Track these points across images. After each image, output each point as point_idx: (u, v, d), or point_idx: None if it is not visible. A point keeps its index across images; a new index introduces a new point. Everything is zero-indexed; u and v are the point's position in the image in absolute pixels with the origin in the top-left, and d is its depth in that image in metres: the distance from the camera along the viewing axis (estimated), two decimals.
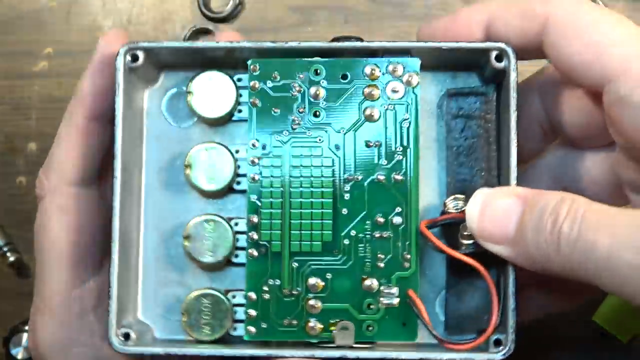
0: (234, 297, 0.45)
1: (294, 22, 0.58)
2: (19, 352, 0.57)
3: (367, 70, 0.44)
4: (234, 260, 0.45)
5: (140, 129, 0.46)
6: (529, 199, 0.40)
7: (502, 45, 0.43)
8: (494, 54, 0.44)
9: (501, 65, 0.44)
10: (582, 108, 0.43)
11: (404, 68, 0.44)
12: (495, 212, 0.41)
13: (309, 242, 0.45)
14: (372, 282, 0.44)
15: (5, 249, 0.58)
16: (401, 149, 0.44)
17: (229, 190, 0.46)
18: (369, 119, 0.44)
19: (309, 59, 0.45)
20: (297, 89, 0.45)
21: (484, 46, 0.44)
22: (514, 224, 0.40)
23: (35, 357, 0.46)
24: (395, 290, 0.44)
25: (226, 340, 0.45)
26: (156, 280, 0.46)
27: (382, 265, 0.44)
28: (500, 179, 0.44)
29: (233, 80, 0.45)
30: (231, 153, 0.45)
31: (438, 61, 0.45)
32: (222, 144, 0.46)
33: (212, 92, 0.45)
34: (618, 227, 0.37)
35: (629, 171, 0.42)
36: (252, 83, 0.45)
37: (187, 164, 0.45)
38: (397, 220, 0.45)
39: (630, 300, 0.37)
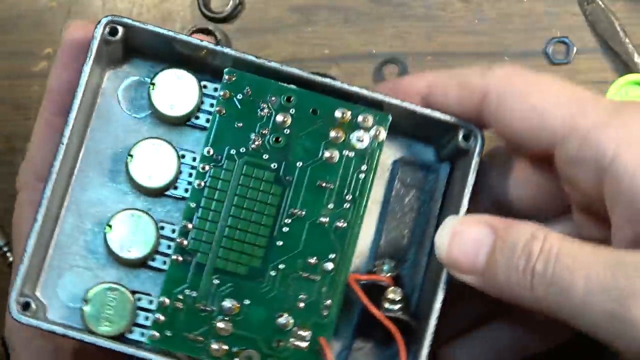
0: (139, 299, 0.44)
1: (294, 22, 0.58)
2: None
3: (338, 113, 0.44)
4: (150, 263, 0.44)
5: (90, 106, 0.45)
6: (500, 230, 0.39)
7: (472, 126, 0.43)
8: (462, 132, 0.44)
9: (466, 145, 0.44)
10: (529, 180, 0.43)
11: (373, 121, 0.44)
12: (465, 242, 0.40)
13: (236, 263, 0.44)
14: (287, 320, 0.44)
15: (5, 249, 0.58)
16: (350, 197, 0.44)
17: (162, 192, 0.45)
18: (328, 160, 0.44)
19: (286, 85, 0.44)
20: (266, 110, 0.44)
21: (454, 121, 0.44)
22: (484, 256, 0.39)
23: (6, 337, 0.46)
24: (307, 334, 0.44)
25: (120, 340, 0.43)
26: (64, 262, 0.44)
27: (302, 305, 0.44)
28: (431, 257, 0.44)
29: (199, 85, 0.45)
30: (178, 156, 0.45)
31: (402, 124, 0.45)
32: (171, 145, 0.45)
33: (176, 90, 0.45)
34: (593, 268, 0.36)
35: (591, 231, 0.41)
36: (223, 92, 0.44)
37: (131, 154, 0.44)
38: (329, 266, 0.44)
39: (607, 345, 0.37)
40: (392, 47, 0.57)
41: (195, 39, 0.44)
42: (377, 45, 0.58)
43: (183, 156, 0.45)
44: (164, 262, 0.44)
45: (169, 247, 0.44)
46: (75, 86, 0.44)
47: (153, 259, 0.44)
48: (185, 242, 0.44)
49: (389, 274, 0.44)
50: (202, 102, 0.45)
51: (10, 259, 0.58)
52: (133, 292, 0.44)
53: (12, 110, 0.59)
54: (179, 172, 0.45)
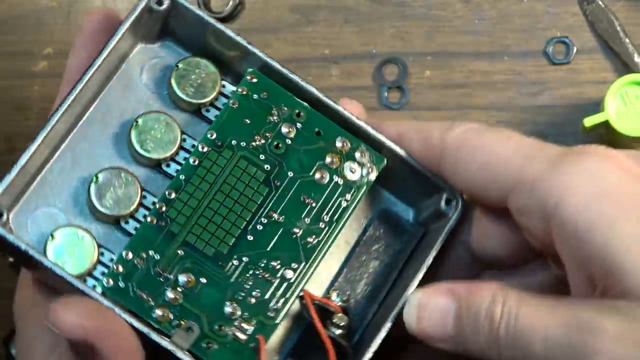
0: (102, 254, 0.45)
1: (294, 22, 0.58)
2: None
3: (339, 141, 0.46)
4: (123, 224, 0.45)
5: (113, 68, 0.46)
6: (462, 297, 0.41)
7: (456, 193, 0.45)
8: (445, 195, 0.45)
9: (446, 209, 0.45)
10: (497, 230, 0.44)
11: (369, 159, 0.46)
12: (432, 314, 0.42)
13: (205, 243, 0.45)
14: (235, 310, 0.44)
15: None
16: (327, 219, 0.45)
17: (155, 165, 0.45)
18: (318, 179, 0.45)
19: (300, 101, 0.46)
20: (275, 117, 0.45)
21: (440, 184, 0.45)
22: (451, 324, 0.41)
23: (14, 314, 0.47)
24: (249, 328, 0.44)
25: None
26: (43, 199, 0.45)
27: (252, 301, 0.45)
28: (382, 305, 0.46)
29: (220, 80, 0.46)
30: (180, 136, 0.45)
31: (392, 175, 0.47)
32: (177, 124, 0.46)
33: (196, 78, 0.46)
34: (550, 328, 0.38)
35: (562, 272, 0.42)
36: (241, 88, 0.45)
37: (137, 120, 0.45)
38: (289, 274, 0.45)
39: None
40: (392, 47, 0.57)
41: (237, 35, 0.45)
42: (377, 45, 0.58)
43: (184, 140, 0.46)
44: (136, 229, 0.45)
45: (144, 216, 0.45)
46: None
47: (127, 222, 0.45)
48: (165, 209, 0.44)
49: (339, 304, 0.46)
50: (216, 98, 0.46)
51: (11, 259, 0.58)
52: (99, 245, 0.45)
53: (12, 110, 0.59)
54: (177, 151, 0.45)
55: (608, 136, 0.55)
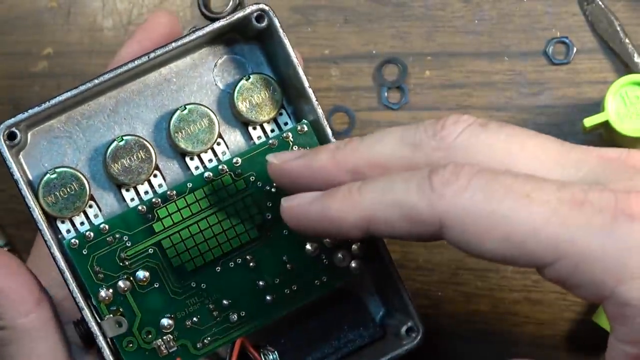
0: (90, 206, 0.45)
1: (294, 22, 0.58)
2: None
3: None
4: (123, 190, 0.46)
5: (188, 50, 0.46)
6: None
7: (420, 327, 0.47)
8: (409, 323, 0.47)
9: (404, 335, 0.47)
10: None
11: (363, 253, 0.47)
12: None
13: (175, 254, 0.45)
14: (170, 325, 0.45)
15: (5, 249, 0.58)
16: (295, 289, 0.46)
17: (181, 154, 0.46)
18: (308, 251, 0.46)
19: None
20: None
21: (411, 311, 0.47)
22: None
23: None
24: (173, 347, 0.45)
25: (49, 221, 0.45)
26: (65, 134, 0.46)
27: (188, 324, 0.45)
28: None
29: (280, 107, 0.46)
30: (216, 140, 0.46)
31: (379, 272, 0.48)
32: (219, 127, 0.46)
33: (262, 96, 0.46)
34: None
35: None
36: (286, 134, 0.46)
37: (186, 106, 0.46)
38: (233, 318, 0.46)
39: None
40: (392, 47, 0.57)
41: (307, 84, 0.45)
42: (377, 45, 0.58)
43: (218, 143, 0.46)
44: (132, 200, 0.46)
45: (146, 192, 0.46)
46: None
47: (128, 189, 0.46)
48: (157, 204, 0.45)
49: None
50: (268, 122, 0.47)
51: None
52: (92, 197, 0.45)
53: (12, 110, 0.59)
54: (206, 151, 0.46)
55: (608, 136, 0.55)
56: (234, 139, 0.47)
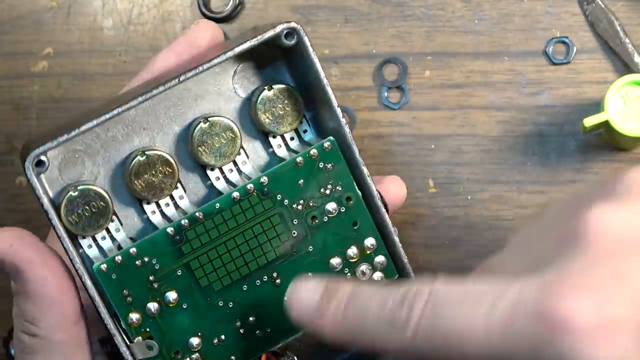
0: (112, 220, 0.45)
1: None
2: None
3: (369, 241, 0.47)
4: (146, 206, 0.45)
5: (210, 58, 0.45)
6: (329, 282, 0.41)
7: None
8: None
9: None
10: None
11: (385, 268, 0.47)
12: (303, 294, 0.42)
13: (203, 273, 0.45)
14: (198, 344, 0.45)
15: None
16: None
17: (203, 167, 0.46)
18: (332, 265, 0.46)
19: (356, 188, 0.46)
20: (327, 191, 0.46)
21: None
22: (316, 301, 0.41)
23: None
24: None
25: (72, 239, 0.44)
26: (88, 152, 0.45)
27: (215, 342, 0.45)
28: None
29: (302, 119, 0.46)
30: (238, 152, 0.45)
31: None
32: (241, 139, 0.45)
33: (283, 106, 0.46)
34: None
35: None
36: (313, 152, 0.45)
37: (209, 119, 0.45)
38: (259, 334, 0.46)
39: None
40: (392, 47, 0.57)
41: (335, 103, 0.45)
42: (377, 45, 0.58)
43: (239, 153, 0.46)
44: (153, 212, 0.45)
45: (167, 205, 0.45)
46: (174, 73, 0.44)
47: (149, 202, 0.45)
48: (186, 226, 0.44)
49: None
50: (290, 132, 0.46)
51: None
52: (114, 213, 0.45)
53: (12, 110, 0.59)
54: (228, 164, 0.46)
55: (608, 136, 0.55)
56: (254, 147, 0.46)
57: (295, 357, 0.47)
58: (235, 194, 0.45)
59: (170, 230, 0.44)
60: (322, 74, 0.45)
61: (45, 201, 0.43)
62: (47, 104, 0.59)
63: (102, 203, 0.44)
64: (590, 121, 0.52)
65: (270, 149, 0.46)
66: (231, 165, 0.46)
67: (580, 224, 0.35)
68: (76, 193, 0.44)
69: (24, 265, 0.43)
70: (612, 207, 0.36)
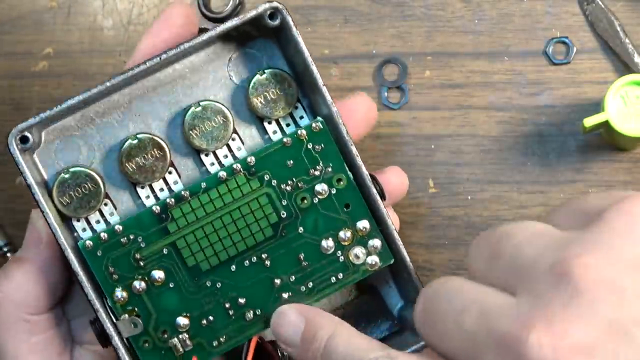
0: (105, 204, 0.45)
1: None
2: None
3: (362, 224, 0.46)
4: (139, 188, 0.46)
5: (204, 44, 0.46)
6: (309, 318, 0.44)
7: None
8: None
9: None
10: None
11: (380, 252, 0.47)
12: (286, 326, 0.45)
13: (190, 253, 0.45)
14: (185, 324, 0.45)
15: (5, 249, 0.58)
16: (311, 286, 0.46)
17: (196, 150, 0.46)
18: (323, 248, 0.46)
19: (347, 169, 0.46)
20: (317, 172, 0.46)
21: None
22: (298, 337, 0.44)
23: None
24: (189, 345, 0.45)
25: (64, 220, 0.45)
26: (80, 134, 0.46)
27: (204, 323, 0.45)
28: None
29: (295, 103, 0.46)
30: (231, 136, 0.46)
31: (397, 268, 0.48)
32: (234, 123, 0.45)
33: (276, 91, 0.46)
34: None
35: None
36: (300, 132, 0.45)
37: (201, 104, 0.45)
38: (249, 315, 0.46)
39: None
40: (392, 47, 0.57)
41: (321, 82, 0.45)
42: (377, 45, 0.58)
43: (233, 139, 0.46)
44: (147, 197, 0.46)
45: (161, 189, 0.46)
46: (159, 51, 0.45)
47: (143, 187, 0.46)
48: (172, 205, 0.45)
49: (283, 357, 0.46)
50: (284, 117, 0.46)
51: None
52: (108, 197, 0.45)
53: (12, 110, 0.59)
54: (221, 147, 0.46)
55: (608, 136, 0.55)
56: (249, 133, 0.46)
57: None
58: (222, 174, 0.45)
59: (155, 208, 0.45)
60: (306, 52, 0.45)
61: (29, 176, 0.44)
62: (47, 104, 0.59)
63: (93, 185, 0.45)
64: (590, 121, 0.52)
65: (266, 135, 0.46)
66: (226, 150, 0.46)
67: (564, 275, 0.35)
68: (67, 175, 0.45)
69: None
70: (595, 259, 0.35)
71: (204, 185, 0.45)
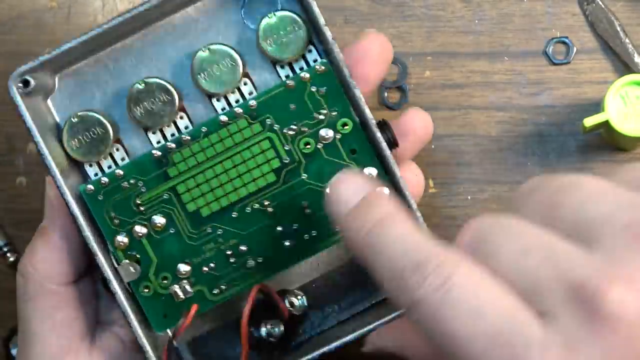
0: (117, 149, 0.45)
1: None
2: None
3: (369, 170, 0.45)
4: (149, 133, 0.45)
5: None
6: (376, 186, 0.39)
7: None
8: None
9: None
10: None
11: None
12: (348, 185, 0.40)
13: (191, 198, 0.44)
14: (186, 271, 0.45)
15: (5, 249, 0.58)
16: (315, 234, 0.45)
17: (207, 94, 0.45)
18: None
19: (353, 113, 0.45)
20: (321, 116, 0.45)
21: None
22: (358, 198, 0.39)
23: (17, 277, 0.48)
24: (190, 292, 0.45)
25: (78, 165, 0.45)
26: (91, 78, 0.46)
27: (205, 270, 0.45)
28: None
29: (307, 46, 0.45)
30: (242, 81, 0.45)
31: None
32: (245, 67, 0.45)
33: (287, 34, 0.45)
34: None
35: None
36: (304, 74, 0.44)
37: (208, 49, 0.45)
38: (250, 263, 0.45)
39: None
40: (392, 47, 0.57)
41: (324, 23, 0.44)
42: None
43: (245, 83, 0.45)
44: (158, 142, 0.45)
45: (172, 134, 0.45)
46: None
47: (154, 132, 0.45)
48: (172, 149, 0.44)
49: (292, 308, 0.45)
50: (297, 60, 0.45)
51: (11, 259, 0.58)
52: (118, 140, 0.45)
53: (12, 110, 0.59)
54: (233, 90, 0.45)
55: (608, 136, 0.55)
56: (263, 78, 0.45)
57: (304, 297, 0.46)
58: (223, 117, 0.44)
59: (155, 152, 0.44)
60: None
61: (29, 119, 0.44)
62: None
63: (101, 130, 0.45)
64: (590, 121, 0.52)
65: (280, 80, 0.45)
66: (238, 95, 0.45)
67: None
68: (76, 119, 0.45)
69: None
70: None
71: (204, 129, 0.44)
